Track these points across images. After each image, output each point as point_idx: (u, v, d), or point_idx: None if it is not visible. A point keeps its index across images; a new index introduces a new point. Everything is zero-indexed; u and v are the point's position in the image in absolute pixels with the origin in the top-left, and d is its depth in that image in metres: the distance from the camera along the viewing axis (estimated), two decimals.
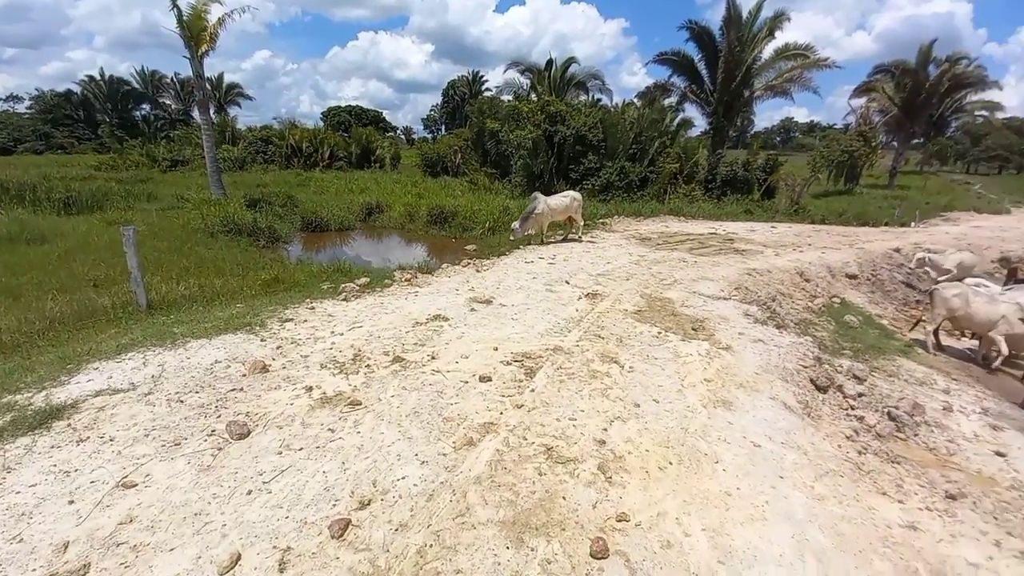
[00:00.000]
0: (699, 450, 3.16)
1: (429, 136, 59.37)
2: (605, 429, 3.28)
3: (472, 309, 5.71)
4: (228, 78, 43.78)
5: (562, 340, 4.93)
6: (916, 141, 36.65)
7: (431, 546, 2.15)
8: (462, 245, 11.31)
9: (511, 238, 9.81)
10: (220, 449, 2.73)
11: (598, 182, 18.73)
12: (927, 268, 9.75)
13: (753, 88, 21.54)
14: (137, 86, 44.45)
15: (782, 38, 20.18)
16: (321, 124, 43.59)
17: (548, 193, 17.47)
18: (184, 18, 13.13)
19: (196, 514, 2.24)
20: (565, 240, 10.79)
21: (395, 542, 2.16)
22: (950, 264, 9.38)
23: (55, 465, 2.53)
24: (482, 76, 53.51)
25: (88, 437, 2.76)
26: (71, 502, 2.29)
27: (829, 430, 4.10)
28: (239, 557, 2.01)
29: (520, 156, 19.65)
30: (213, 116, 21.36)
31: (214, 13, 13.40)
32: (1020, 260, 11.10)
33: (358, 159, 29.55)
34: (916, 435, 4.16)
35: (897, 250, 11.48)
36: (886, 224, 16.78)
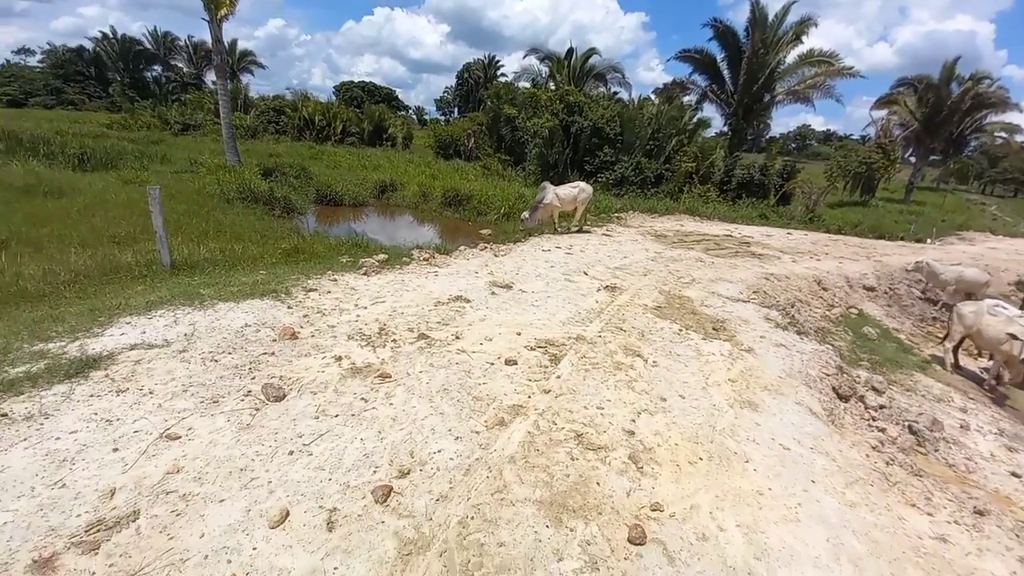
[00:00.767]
0: (728, 448, 3.16)
1: (441, 118, 58.77)
2: (633, 420, 3.29)
3: (493, 293, 5.69)
4: (241, 45, 43.12)
5: (584, 330, 4.92)
6: (934, 158, 36.34)
7: (472, 518, 2.17)
8: (476, 229, 11.24)
9: (520, 227, 9.70)
10: (257, 410, 2.74)
11: (612, 176, 18.57)
12: (922, 276, 9.68)
13: (774, 92, 21.28)
14: (149, 47, 43.86)
15: (806, 43, 19.90)
16: (333, 98, 43.11)
17: (563, 182, 17.46)
18: None
19: (241, 469, 2.25)
20: (567, 232, 10.59)
21: (437, 511, 2.17)
22: (949, 276, 9.29)
23: (95, 413, 2.53)
24: (498, 61, 52.80)
25: (127, 388, 2.77)
26: (115, 450, 2.30)
27: (854, 439, 4.11)
28: (288, 513, 2.02)
29: (536, 144, 19.46)
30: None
31: None
32: None
33: (370, 136, 29.29)
34: (936, 451, 4.18)
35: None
36: (902, 238, 16.67)
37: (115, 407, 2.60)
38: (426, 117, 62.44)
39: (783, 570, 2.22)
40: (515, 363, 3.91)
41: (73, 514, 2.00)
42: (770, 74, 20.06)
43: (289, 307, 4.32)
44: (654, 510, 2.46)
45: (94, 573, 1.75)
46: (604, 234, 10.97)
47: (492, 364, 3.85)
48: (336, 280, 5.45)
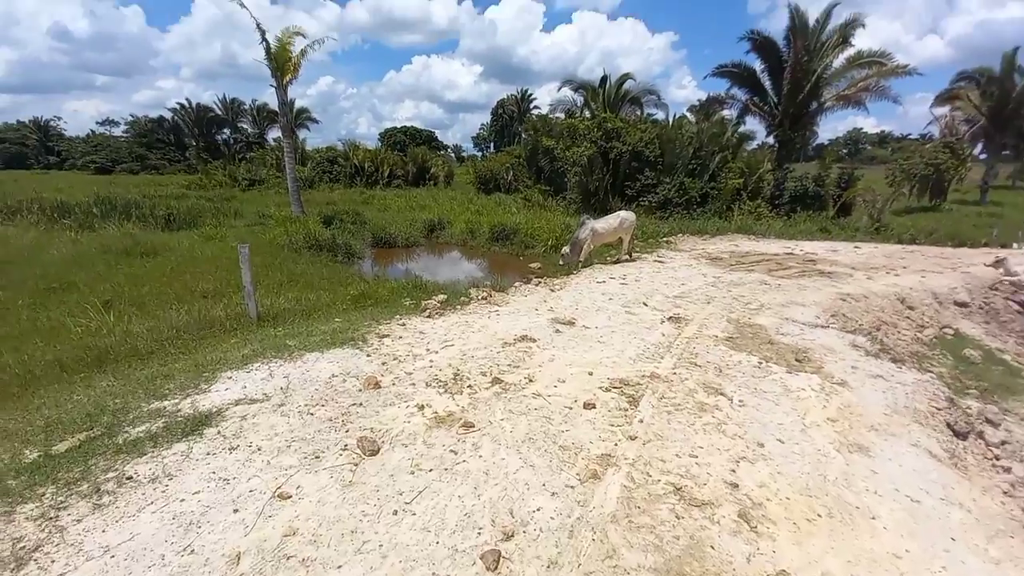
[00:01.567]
0: (848, 502, 2.87)
1: (478, 153, 61.02)
2: (733, 470, 3.07)
3: (557, 331, 5.65)
4: (298, 104, 47.35)
5: (656, 367, 4.74)
6: (1006, 153, 33.30)
7: None
8: (526, 263, 11.37)
9: (560, 263, 9.44)
10: (356, 465, 2.80)
11: (655, 199, 18.35)
12: (1002, 272, 9.00)
13: (822, 99, 20.47)
14: (219, 112, 49.06)
15: (855, 45, 19.12)
16: (379, 144, 45.98)
17: (604, 209, 17.40)
18: (272, 50, 14.34)
19: (352, 531, 2.28)
20: (617, 262, 10.28)
21: None
22: None
23: (214, 472, 2.68)
24: (530, 94, 54.58)
25: (238, 445, 2.93)
26: (235, 511, 2.41)
27: (984, 483, 3.64)
28: None
29: (575, 173, 19.66)
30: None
31: (297, 45, 14.56)
32: None
33: (414, 177, 30.81)
34: None
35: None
36: (985, 244, 15.15)
37: (230, 465, 2.74)
38: (464, 154, 65.12)
39: None
40: (593, 406, 3.81)
41: None
42: (816, 81, 19.37)
43: (368, 355, 4.48)
44: None
45: None
46: (656, 260, 10.73)
47: (570, 408, 3.77)
48: (404, 324, 5.62)
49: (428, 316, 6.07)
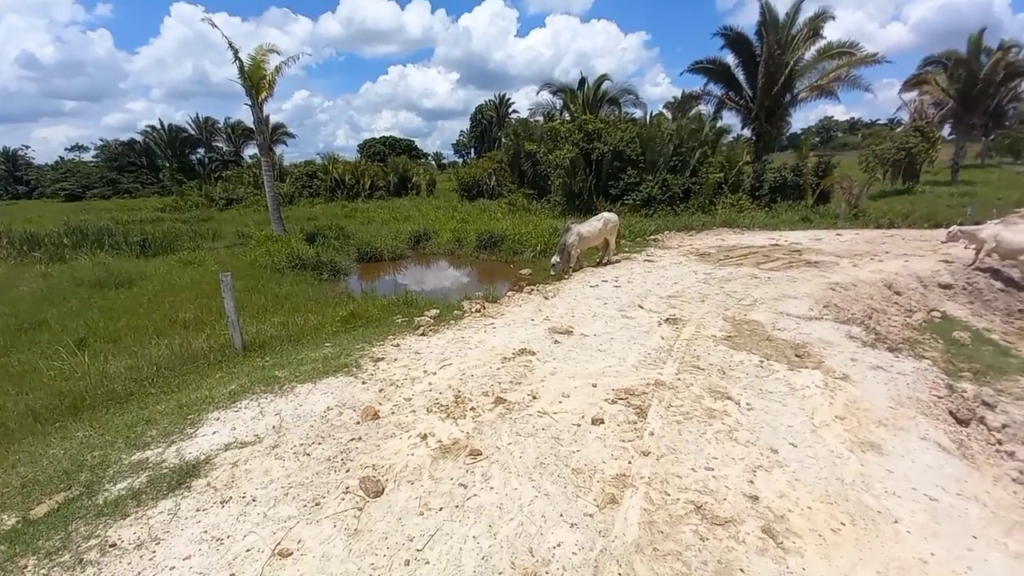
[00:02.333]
0: (868, 506, 2.81)
1: (459, 160, 60.83)
2: (751, 481, 2.99)
3: (556, 341, 5.53)
4: (273, 119, 46.57)
5: (660, 373, 4.66)
6: (975, 133, 34.43)
7: None
8: (515, 269, 11.24)
9: (551, 272, 9.28)
10: (360, 509, 2.63)
11: (639, 197, 18.43)
12: (961, 240, 9.41)
13: (796, 90, 20.86)
14: (193, 132, 47.96)
15: (825, 37, 19.54)
16: (358, 156, 45.47)
17: (589, 210, 17.40)
18: (245, 68, 14.01)
19: None
20: (606, 263, 10.14)
21: None
22: (985, 235, 9.09)
23: (205, 531, 2.49)
24: (508, 99, 54.70)
25: (230, 497, 2.73)
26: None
27: (993, 472, 3.63)
28: None
29: (558, 175, 19.65)
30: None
31: (272, 62, 14.25)
32: None
33: (396, 187, 30.48)
34: None
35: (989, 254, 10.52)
36: (961, 224, 15.54)
37: (223, 522, 2.55)
38: (444, 161, 64.83)
39: None
40: (602, 421, 3.70)
41: None
42: (789, 73, 19.72)
43: (363, 382, 4.30)
44: None
45: None
46: (646, 260, 10.72)
47: (578, 425, 3.65)
48: (398, 345, 5.45)
49: (422, 334, 5.90)
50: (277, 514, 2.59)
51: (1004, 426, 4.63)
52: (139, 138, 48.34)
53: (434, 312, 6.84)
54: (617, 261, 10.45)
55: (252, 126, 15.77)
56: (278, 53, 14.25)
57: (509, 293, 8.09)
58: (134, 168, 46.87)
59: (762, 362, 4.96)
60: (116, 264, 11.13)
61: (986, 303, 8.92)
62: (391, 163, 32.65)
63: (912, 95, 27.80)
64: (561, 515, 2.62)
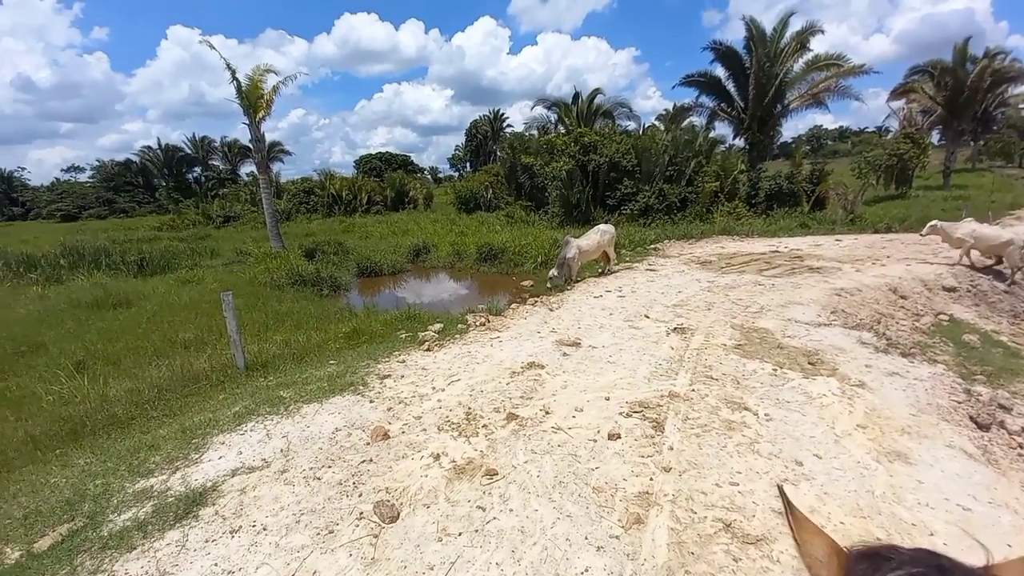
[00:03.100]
0: (902, 519, 2.72)
1: (455, 174, 61.22)
2: (778, 496, 2.89)
3: (564, 354, 5.45)
4: (270, 137, 46.72)
5: (673, 384, 4.58)
6: (964, 138, 35.03)
7: None
8: (517, 281, 11.18)
9: (548, 286, 9.16)
10: (376, 536, 2.52)
11: (636, 207, 18.54)
12: (937, 235, 9.61)
13: (786, 101, 21.21)
14: (189, 151, 48.16)
15: (814, 49, 19.96)
16: (355, 172, 45.71)
17: (587, 220, 17.43)
18: (243, 88, 14.10)
19: None
20: (602, 275, 10.06)
21: None
22: (962, 233, 9.26)
23: (215, 565, 2.37)
24: (502, 114, 55.29)
25: (240, 527, 2.61)
26: None
27: (1019, 478, 3.54)
28: None
29: (555, 187, 19.76)
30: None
31: (268, 82, 14.37)
32: None
33: (393, 202, 30.54)
34: None
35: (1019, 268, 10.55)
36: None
37: (233, 553, 2.43)
38: (440, 175, 65.26)
39: None
40: (618, 436, 3.61)
41: None
42: (779, 85, 20.10)
43: (371, 401, 4.19)
44: None
45: None
46: (648, 269, 10.70)
47: (595, 441, 3.56)
48: (404, 361, 5.35)
49: (428, 349, 5.81)
50: (289, 544, 2.48)
51: (1023, 430, 4.56)
52: (135, 158, 48.51)
53: (438, 326, 6.76)
54: (616, 271, 10.42)
55: (249, 144, 15.83)
56: (275, 73, 14.39)
57: (513, 305, 8.02)
58: (130, 188, 46.89)
59: (775, 370, 4.89)
60: (114, 284, 11.01)
61: (991, 305, 8.92)
62: (388, 178, 32.80)
63: (900, 103, 28.31)
64: (586, 538, 2.51)
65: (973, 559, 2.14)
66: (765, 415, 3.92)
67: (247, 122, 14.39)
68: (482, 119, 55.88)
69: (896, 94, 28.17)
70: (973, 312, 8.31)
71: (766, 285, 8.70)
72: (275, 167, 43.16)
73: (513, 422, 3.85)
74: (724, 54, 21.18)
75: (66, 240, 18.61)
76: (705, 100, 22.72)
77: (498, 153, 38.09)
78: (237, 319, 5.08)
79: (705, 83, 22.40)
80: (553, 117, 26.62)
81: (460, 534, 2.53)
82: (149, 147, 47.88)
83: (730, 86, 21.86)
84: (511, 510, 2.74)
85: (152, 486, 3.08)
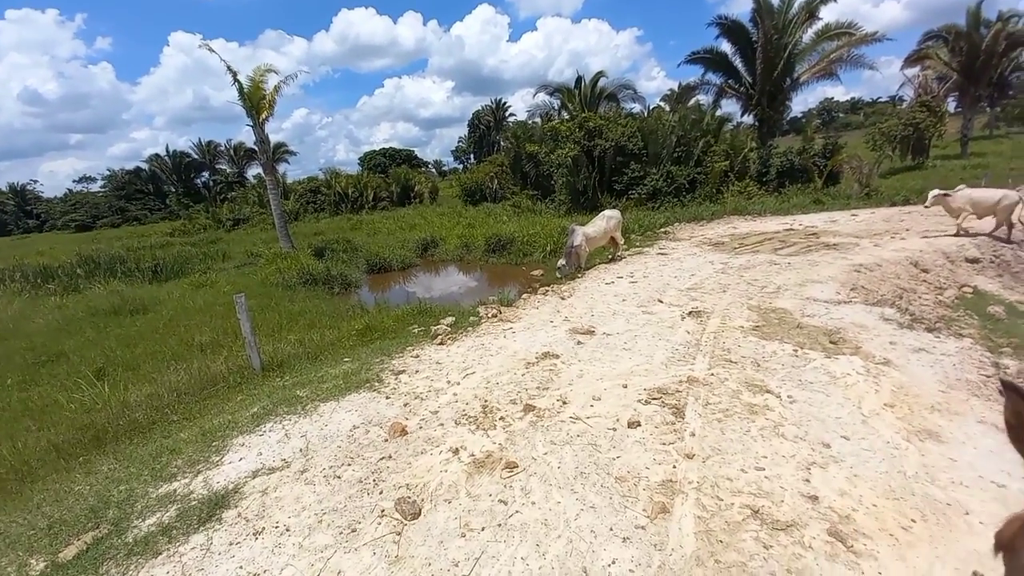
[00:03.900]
0: (937, 500, 2.63)
1: (459, 166, 60.93)
2: (807, 480, 2.82)
3: (578, 342, 5.38)
4: (274, 138, 46.93)
5: (691, 369, 4.49)
6: (982, 105, 33.80)
7: None
8: (527, 271, 11.10)
9: (557, 275, 8.97)
10: (399, 534, 2.50)
11: (644, 190, 18.25)
12: (942, 206, 9.53)
13: (796, 74, 20.57)
14: (196, 156, 48.56)
15: (822, 18, 19.27)
16: (359, 169, 45.72)
17: (594, 207, 17.20)
18: (245, 90, 14.07)
19: None
20: (611, 261, 9.85)
21: None
22: (960, 201, 9.29)
23: (241, 567, 2.37)
24: (504, 103, 54.64)
25: (263, 528, 2.62)
26: None
27: None
28: None
29: (561, 174, 19.52)
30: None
31: (270, 82, 14.31)
32: None
33: (399, 197, 30.53)
34: None
35: (1012, 225, 10.19)
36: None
37: (257, 555, 2.43)
38: (445, 168, 65.05)
39: None
40: (638, 424, 3.55)
41: None
42: (788, 57, 19.47)
43: (388, 397, 4.18)
44: None
45: None
46: (659, 253, 10.53)
47: (614, 430, 3.50)
48: (418, 356, 5.33)
49: (441, 343, 5.78)
50: (313, 544, 2.47)
51: None
52: (145, 166, 49.09)
53: (450, 320, 6.72)
54: (626, 256, 10.27)
55: (254, 146, 15.88)
56: (276, 73, 14.34)
57: (524, 295, 7.96)
58: (141, 195, 47.57)
59: (796, 351, 4.77)
60: (130, 291, 11.17)
61: (1015, 275, 8.62)
62: (392, 174, 32.74)
63: (915, 71, 27.34)
64: (611, 529, 2.47)
65: None
66: (788, 397, 3.82)
67: (251, 124, 14.38)
68: (484, 109, 55.38)
69: (910, 61, 27.20)
70: (997, 283, 8.04)
71: (781, 264, 8.50)
72: (281, 168, 43.38)
73: (530, 413, 3.80)
74: (730, 28, 20.55)
75: (82, 250, 18.96)
76: (711, 77, 22.15)
77: (502, 143, 37.78)
78: (251, 320, 5.09)
79: (711, 60, 21.80)
80: (556, 103, 26.23)
81: (483, 529, 2.51)
82: (157, 155, 48.45)
83: (737, 61, 21.25)
84: (533, 503, 2.70)
85: (175, 490, 3.10)
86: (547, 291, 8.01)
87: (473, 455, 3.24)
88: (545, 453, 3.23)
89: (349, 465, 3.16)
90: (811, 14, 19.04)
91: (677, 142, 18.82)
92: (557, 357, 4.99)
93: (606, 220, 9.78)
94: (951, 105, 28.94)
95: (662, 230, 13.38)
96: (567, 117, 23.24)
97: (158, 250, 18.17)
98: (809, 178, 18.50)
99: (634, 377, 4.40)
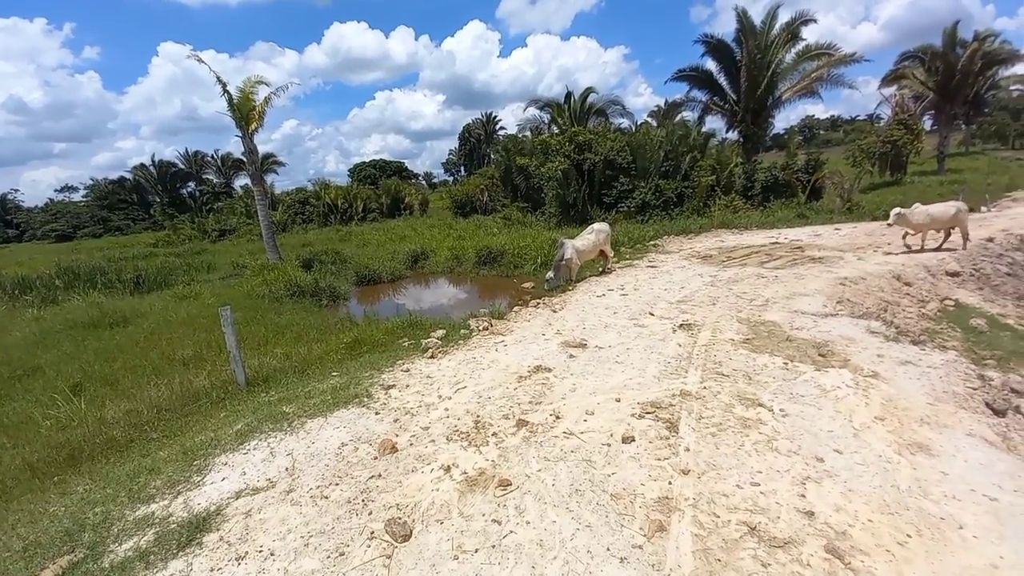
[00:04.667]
0: (931, 514, 2.63)
1: (449, 179, 61.19)
2: (802, 495, 2.81)
3: (570, 356, 5.36)
4: (263, 149, 46.59)
5: (683, 383, 4.49)
6: (957, 122, 35.15)
7: None
8: (518, 283, 11.09)
9: (546, 287, 9.01)
10: (389, 557, 2.42)
11: (633, 203, 18.49)
12: (899, 224, 9.83)
13: (779, 92, 21.21)
14: (183, 166, 48.00)
15: (805, 39, 19.97)
16: (349, 180, 45.63)
17: (584, 219, 17.34)
18: (235, 101, 14.01)
19: None
20: (602, 274, 9.95)
21: None
22: (917, 219, 9.62)
23: None
24: (495, 117, 55.28)
25: (246, 553, 2.51)
26: None
27: None
28: None
29: (551, 187, 19.71)
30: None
31: (260, 94, 14.28)
32: None
33: (389, 208, 30.45)
34: None
35: (990, 239, 10.52)
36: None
37: None
38: (435, 180, 65.26)
39: None
40: (632, 439, 3.51)
41: None
42: (771, 76, 20.09)
43: (377, 412, 4.09)
44: None
45: None
46: (649, 266, 10.62)
47: (608, 445, 3.46)
48: (408, 370, 5.25)
49: (431, 357, 5.71)
50: (299, 569, 2.37)
51: None
52: (129, 175, 48.34)
53: (440, 333, 6.66)
54: (616, 269, 10.34)
55: (242, 157, 15.74)
56: (266, 84, 14.31)
57: (515, 308, 7.93)
58: (125, 205, 46.73)
59: (786, 364, 4.80)
60: (110, 303, 10.87)
61: (995, 288, 8.86)
62: (383, 185, 32.72)
63: (892, 90, 28.38)
64: (608, 549, 2.42)
65: (1006, 550, 2.03)
66: (780, 411, 3.83)
67: (240, 135, 14.29)
68: (475, 123, 55.90)
69: (887, 81, 28.26)
70: (978, 296, 8.26)
71: (769, 277, 8.63)
72: (269, 179, 43.07)
73: (523, 429, 3.75)
74: (715, 47, 21.17)
75: (61, 260, 18.44)
76: (697, 94, 22.73)
77: (492, 156, 38.11)
78: (236, 334, 4.97)
79: (697, 77, 22.39)
80: (546, 118, 26.59)
81: (477, 550, 2.43)
82: (143, 164, 47.79)
83: (722, 79, 21.86)
84: (528, 522, 2.64)
85: (153, 512, 2.97)
86: (538, 304, 8.00)
87: (465, 473, 3.17)
88: (539, 470, 3.17)
89: (337, 484, 3.06)
90: (793, 35, 19.72)
91: (665, 157, 19.17)
92: (549, 371, 4.95)
93: (596, 233, 9.85)
94: (927, 123, 30.10)
95: (651, 243, 13.53)
96: (557, 131, 23.57)
97: (140, 261, 17.79)
98: (793, 193, 18.94)
99: (627, 391, 4.38)
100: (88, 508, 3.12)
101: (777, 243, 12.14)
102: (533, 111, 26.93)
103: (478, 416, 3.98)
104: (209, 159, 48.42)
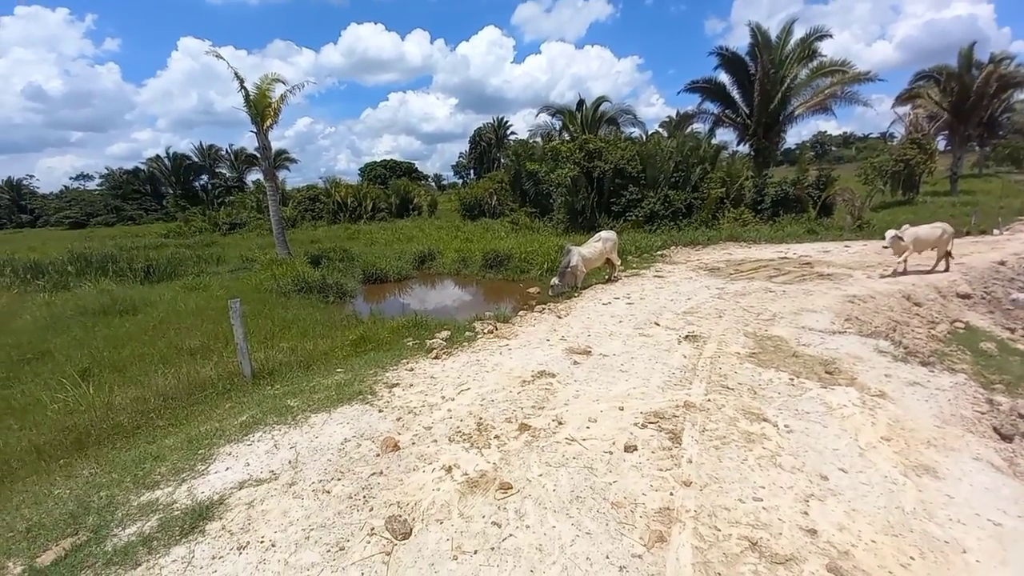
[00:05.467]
0: (935, 536, 2.60)
1: (459, 181, 61.53)
2: (805, 512, 2.78)
3: (575, 362, 5.36)
4: (276, 145, 47.05)
5: (688, 394, 4.47)
6: (971, 144, 34.92)
7: None
8: (524, 288, 11.11)
9: (550, 293, 8.98)
10: (388, 554, 2.43)
11: (642, 213, 18.50)
12: (891, 247, 9.58)
13: (791, 107, 21.18)
14: (196, 160, 48.62)
15: (823, 55, 19.95)
16: (360, 179, 45.99)
17: (592, 227, 17.36)
18: (251, 97, 14.21)
19: None
20: (608, 282, 9.92)
21: None
22: (907, 239, 9.45)
23: None
24: (506, 121, 55.55)
25: (248, 543, 2.53)
26: None
27: None
28: None
29: (560, 194, 19.77)
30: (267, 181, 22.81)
31: (276, 91, 14.47)
32: None
33: (398, 209, 30.68)
34: None
35: (1002, 263, 10.41)
36: (967, 233, 15.49)
37: (241, 571, 2.34)
38: (444, 182, 65.64)
39: None
40: (635, 448, 3.50)
41: None
42: (785, 91, 20.08)
43: (380, 410, 4.11)
44: None
45: None
46: (656, 275, 10.59)
47: (610, 453, 3.46)
48: (412, 369, 5.27)
49: (436, 357, 5.73)
50: (299, 561, 2.39)
51: None
52: (144, 166, 49.00)
53: (445, 334, 6.68)
54: (622, 277, 10.33)
55: (255, 152, 15.97)
56: (283, 82, 14.50)
57: (520, 312, 7.94)
58: (138, 195, 47.34)
59: (792, 380, 4.77)
60: (120, 291, 11.01)
61: (1006, 312, 8.75)
62: (392, 185, 32.97)
63: (906, 109, 28.28)
64: (607, 556, 2.41)
65: (1009, 575, 2.02)
66: (785, 426, 3.81)
67: (254, 130, 14.48)
68: (486, 127, 56.19)
69: (902, 100, 28.15)
70: (988, 319, 8.16)
71: (777, 292, 8.58)
72: (281, 175, 43.51)
73: (526, 433, 3.75)
74: (729, 60, 21.20)
75: (74, 247, 18.73)
76: (709, 106, 22.75)
77: (502, 160, 38.27)
78: (244, 326, 5.02)
79: (710, 89, 22.41)
80: (557, 124, 26.71)
81: (475, 552, 2.44)
82: (157, 156, 48.45)
83: (735, 92, 21.87)
84: (528, 526, 2.64)
85: (157, 498, 3.00)
86: (544, 309, 8.01)
87: (467, 474, 3.17)
88: (540, 475, 3.17)
89: (339, 480, 3.08)
90: (809, 49, 19.71)
91: (675, 167, 19.18)
92: (553, 376, 4.95)
93: (602, 242, 9.86)
94: (941, 143, 29.92)
95: (659, 253, 13.51)
96: (568, 138, 23.67)
97: (152, 251, 18.00)
98: (803, 208, 18.87)
99: (631, 400, 4.37)
100: (93, 492, 3.15)
101: (786, 258, 12.08)
102: (545, 117, 27.07)
103: (481, 418, 3.99)
104: (223, 153, 49.03)
